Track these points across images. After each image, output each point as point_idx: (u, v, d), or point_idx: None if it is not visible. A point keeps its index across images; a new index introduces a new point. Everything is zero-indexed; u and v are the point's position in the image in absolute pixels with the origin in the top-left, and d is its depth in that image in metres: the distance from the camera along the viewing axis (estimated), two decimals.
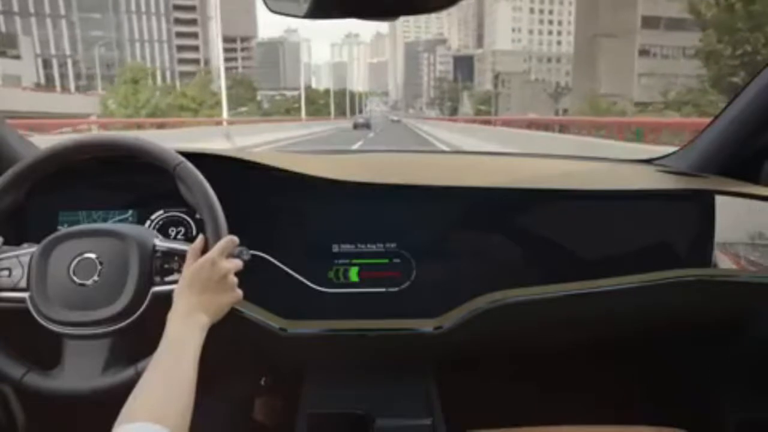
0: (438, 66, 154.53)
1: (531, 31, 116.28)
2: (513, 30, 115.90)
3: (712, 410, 1.20)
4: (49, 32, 73.25)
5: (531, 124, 22.21)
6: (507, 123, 27.78)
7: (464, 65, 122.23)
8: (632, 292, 0.98)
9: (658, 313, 1.05)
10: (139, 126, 22.90)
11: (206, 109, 47.39)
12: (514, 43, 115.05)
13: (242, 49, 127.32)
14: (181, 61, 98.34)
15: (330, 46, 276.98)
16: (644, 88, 46.58)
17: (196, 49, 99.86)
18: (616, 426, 0.98)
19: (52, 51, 74.17)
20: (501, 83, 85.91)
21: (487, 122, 31.60)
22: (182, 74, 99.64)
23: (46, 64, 72.86)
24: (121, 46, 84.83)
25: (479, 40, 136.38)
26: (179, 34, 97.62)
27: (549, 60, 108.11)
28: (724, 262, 1.09)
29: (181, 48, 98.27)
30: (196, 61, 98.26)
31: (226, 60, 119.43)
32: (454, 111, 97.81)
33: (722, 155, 1.12)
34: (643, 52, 51.45)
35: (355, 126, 43.34)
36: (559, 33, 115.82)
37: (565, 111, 63.80)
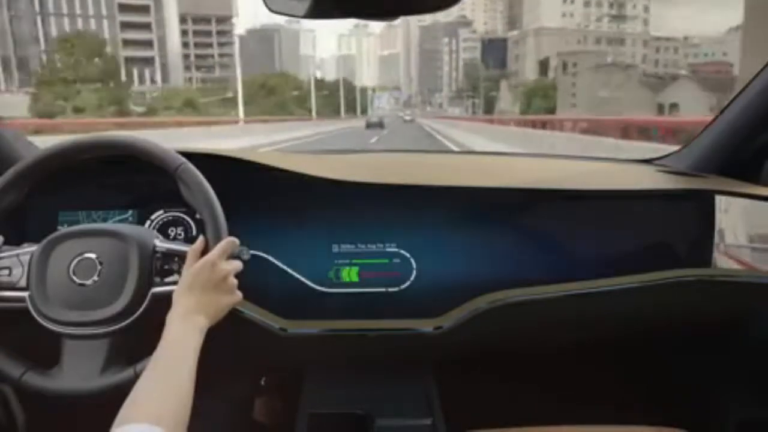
0: (461, 53, 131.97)
1: (587, 3, 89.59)
2: (564, 1, 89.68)
3: (712, 410, 1.20)
4: None
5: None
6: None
7: (495, 51, 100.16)
8: (632, 292, 0.98)
9: (658, 313, 1.05)
10: None
11: None
12: (565, 18, 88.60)
13: (219, 33, 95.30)
14: (128, 44, 76.23)
15: (337, 38, 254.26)
16: None
17: (147, 27, 78.04)
18: (616, 426, 0.98)
19: None
20: (562, 68, 59.69)
21: (542, 125, 17.85)
22: (129, 61, 74.94)
23: None
24: (39, 21, 64.63)
25: (511, 22, 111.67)
26: (124, 7, 75.06)
27: (610, 42, 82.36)
28: (724, 261, 1.10)
29: (127, 26, 76.00)
30: (148, 43, 77.94)
31: (198, 46, 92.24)
32: (488, 108, 73.49)
33: (722, 155, 1.12)
34: None
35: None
36: (622, 5, 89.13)
37: (673, 106, 44.05)
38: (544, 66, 69.44)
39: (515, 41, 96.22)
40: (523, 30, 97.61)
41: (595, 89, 50.39)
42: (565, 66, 59.66)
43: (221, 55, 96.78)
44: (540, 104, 54.95)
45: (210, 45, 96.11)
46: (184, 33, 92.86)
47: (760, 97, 1.04)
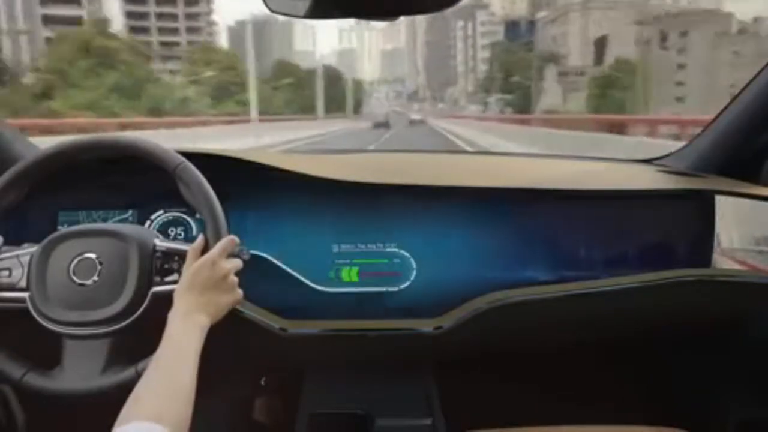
0: (479, 39, 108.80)
1: None
2: None
3: (712, 410, 1.20)
4: None
5: None
6: None
7: (522, 34, 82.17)
8: (632, 292, 0.98)
9: (658, 313, 1.05)
10: None
11: None
12: None
13: (188, 16, 69.41)
14: (48, 19, 54.79)
15: (338, 32, 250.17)
16: None
17: (75, 1, 56.26)
18: (616, 426, 0.99)
19: None
20: (660, 41, 37.25)
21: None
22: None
23: None
24: None
25: (534, 3, 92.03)
26: None
27: (675, 17, 51.64)
28: (724, 262, 1.10)
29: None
30: (74, 19, 51.72)
31: (162, 31, 68.75)
32: (525, 105, 48.29)
33: (722, 155, 1.12)
34: None
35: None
36: None
37: None
38: (600, 46, 47.87)
39: (551, 20, 75.81)
40: (558, 5, 78.40)
41: (712, 74, 30.62)
42: (664, 38, 37.09)
43: (191, 43, 69.55)
44: (620, 99, 34.62)
45: (175, 30, 71.44)
46: (143, 16, 71.47)
47: (760, 97, 1.04)
